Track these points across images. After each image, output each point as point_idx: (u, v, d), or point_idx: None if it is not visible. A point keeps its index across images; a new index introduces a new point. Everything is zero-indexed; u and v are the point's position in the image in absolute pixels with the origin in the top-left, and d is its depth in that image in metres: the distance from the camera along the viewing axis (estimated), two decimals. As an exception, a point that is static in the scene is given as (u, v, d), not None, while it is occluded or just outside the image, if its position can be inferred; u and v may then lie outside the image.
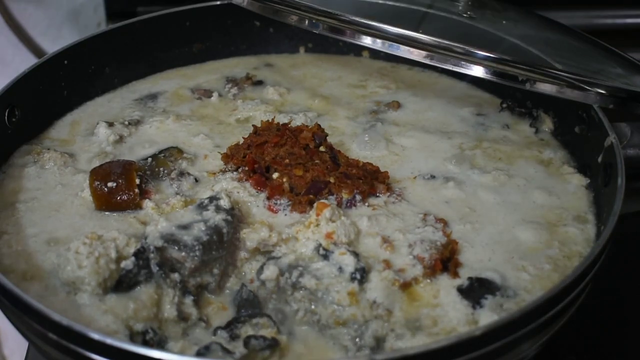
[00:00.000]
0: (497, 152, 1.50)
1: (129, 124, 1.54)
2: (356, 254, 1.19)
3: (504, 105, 1.62)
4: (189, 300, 1.17)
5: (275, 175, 1.31)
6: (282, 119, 1.52)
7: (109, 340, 0.99)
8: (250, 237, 1.23)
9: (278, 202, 1.30)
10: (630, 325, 1.47)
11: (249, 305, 1.18)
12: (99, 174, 1.32)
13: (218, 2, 1.76)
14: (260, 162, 1.33)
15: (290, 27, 1.81)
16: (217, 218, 1.21)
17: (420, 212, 1.32)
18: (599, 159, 1.36)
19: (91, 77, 1.65)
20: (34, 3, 2.29)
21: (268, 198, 1.31)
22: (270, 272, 1.18)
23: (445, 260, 1.22)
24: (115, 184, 1.31)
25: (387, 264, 1.20)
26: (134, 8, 2.25)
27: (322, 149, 1.36)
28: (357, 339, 1.13)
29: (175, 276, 1.16)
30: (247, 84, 1.72)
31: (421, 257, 1.21)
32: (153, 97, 1.67)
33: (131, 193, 1.31)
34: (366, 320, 1.14)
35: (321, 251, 1.19)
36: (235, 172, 1.36)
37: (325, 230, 1.22)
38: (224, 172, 1.38)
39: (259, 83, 1.72)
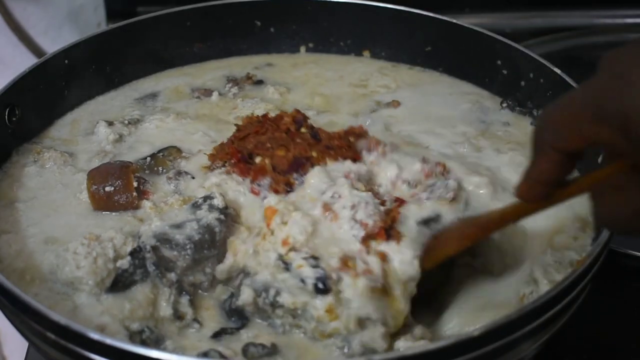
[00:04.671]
0: (503, 139, 1.50)
1: (129, 123, 1.54)
2: (315, 259, 1.11)
3: (504, 105, 1.62)
4: (185, 299, 1.16)
5: (258, 160, 1.28)
6: (282, 119, 1.51)
7: (109, 340, 0.98)
8: (219, 269, 1.18)
9: (261, 183, 1.26)
10: (630, 326, 1.47)
11: (238, 316, 1.16)
12: (96, 177, 1.32)
13: (218, 2, 1.76)
14: (243, 151, 1.31)
15: (291, 26, 1.82)
16: (210, 217, 1.20)
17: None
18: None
19: (92, 76, 1.65)
20: (34, 3, 2.28)
21: (251, 181, 1.27)
22: (246, 296, 1.13)
23: (388, 228, 1.15)
24: (112, 188, 1.30)
25: (345, 262, 1.11)
26: (134, 8, 2.25)
27: (303, 130, 1.33)
28: (346, 348, 1.10)
29: (172, 276, 1.16)
30: (248, 84, 1.71)
31: (365, 223, 1.14)
32: (153, 95, 1.67)
33: (129, 195, 1.30)
34: (351, 333, 1.09)
35: (281, 264, 1.11)
36: (223, 168, 1.32)
37: (280, 238, 1.13)
38: (212, 169, 1.34)
39: (260, 82, 1.72)
